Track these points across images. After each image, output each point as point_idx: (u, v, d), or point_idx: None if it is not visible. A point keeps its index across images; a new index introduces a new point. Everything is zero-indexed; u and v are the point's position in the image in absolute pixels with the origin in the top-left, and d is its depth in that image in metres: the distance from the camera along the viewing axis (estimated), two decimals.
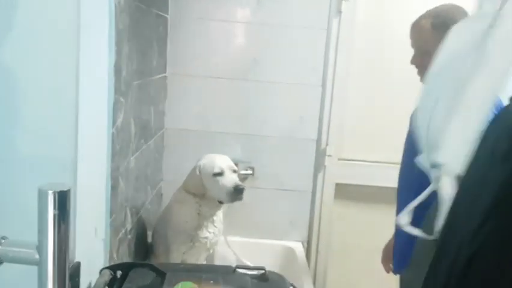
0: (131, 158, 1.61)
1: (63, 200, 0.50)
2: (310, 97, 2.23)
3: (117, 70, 1.35)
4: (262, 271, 1.30)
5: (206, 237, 1.78)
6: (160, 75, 2.06)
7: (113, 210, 1.42)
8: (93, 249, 1.29)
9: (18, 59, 0.88)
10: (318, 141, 2.26)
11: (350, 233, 2.34)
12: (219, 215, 1.86)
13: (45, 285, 0.49)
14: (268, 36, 2.20)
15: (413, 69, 1.67)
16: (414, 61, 1.54)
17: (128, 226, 1.62)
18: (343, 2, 2.13)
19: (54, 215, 0.49)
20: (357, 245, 2.31)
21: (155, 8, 1.87)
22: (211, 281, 1.22)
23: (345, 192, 2.33)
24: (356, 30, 2.17)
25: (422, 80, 1.58)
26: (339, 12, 2.14)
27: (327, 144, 2.25)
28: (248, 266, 1.47)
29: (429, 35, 1.46)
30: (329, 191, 2.30)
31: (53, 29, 1.01)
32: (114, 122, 1.37)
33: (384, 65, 2.21)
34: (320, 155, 2.27)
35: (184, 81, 2.22)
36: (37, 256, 0.50)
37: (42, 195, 0.49)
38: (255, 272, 1.31)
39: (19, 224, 0.68)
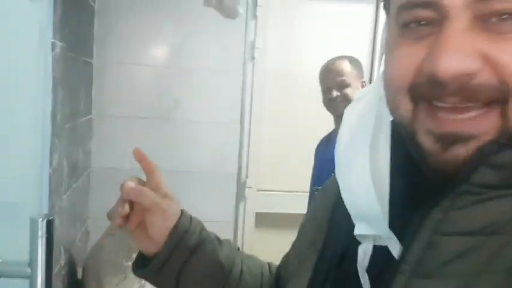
0: (64, 197, 1.69)
1: (49, 226, 0.63)
2: (229, 134, 2.44)
3: (53, 115, 1.46)
4: None
5: None
6: (86, 117, 2.16)
7: None
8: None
9: None
10: (239, 174, 2.46)
11: (270, 258, 2.53)
12: None
13: None
14: (189, 79, 2.38)
15: (319, 109, 1.94)
16: (334, 95, 1.81)
17: (62, 262, 1.68)
18: (255, 49, 2.38)
19: (43, 238, 0.63)
20: None
21: (82, 55, 1.99)
22: None
23: (264, 220, 2.54)
24: (268, 74, 2.43)
25: (341, 111, 1.86)
26: (253, 58, 2.39)
27: (246, 177, 2.45)
28: None
29: (348, 71, 1.78)
30: (250, 220, 2.49)
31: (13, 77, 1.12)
32: (51, 163, 1.46)
33: (293, 105, 2.48)
34: (241, 187, 2.46)
35: (110, 122, 2.33)
36: (29, 271, 0.63)
37: (33, 223, 0.62)
38: None
39: None
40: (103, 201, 2.17)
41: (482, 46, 0.40)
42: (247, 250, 2.49)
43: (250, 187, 2.45)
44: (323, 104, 1.94)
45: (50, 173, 1.44)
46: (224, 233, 2.65)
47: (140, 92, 2.37)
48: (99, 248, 1.93)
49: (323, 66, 1.92)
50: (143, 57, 2.36)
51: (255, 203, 2.49)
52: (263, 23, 2.39)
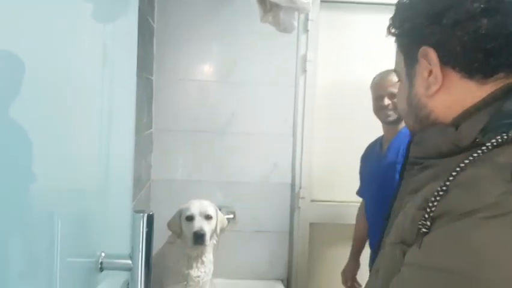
0: (131, 206, 1.78)
1: (150, 221, 0.69)
2: (282, 146, 2.49)
3: None
4: None
5: (198, 276, 1.94)
6: (147, 131, 2.26)
7: None
8: None
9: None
10: (292, 185, 2.50)
11: (325, 269, 2.55)
12: (208, 256, 2.02)
13: (137, 286, 0.68)
14: (243, 93, 2.46)
15: (370, 117, 1.98)
16: (386, 103, 1.88)
17: None
18: (307, 62, 2.43)
19: (144, 232, 0.69)
20: (333, 278, 2.51)
21: (145, 72, 2.10)
22: None
23: (318, 230, 2.55)
24: (319, 86, 2.48)
25: (391, 118, 1.90)
26: (304, 71, 2.44)
27: (300, 188, 2.49)
28: None
29: (397, 85, 1.83)
30: (304, 231, 2.52)
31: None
32: None
33: (344, 115, 2.51)
34: (294, 198, 2.50)
35: (168, 136, 2.43)
36: (130, 263, 0.69)
37: (136, 218, 0.68)
38: None
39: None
40: (162, 212, 2.27)
41: None
42: (302, 261, 2.51)
43: (303, 197, 2.48)
44: (373, 113, 1.97)
45: None
46: (280, 243, 2.69)
47: (197, 107, 2.46)
48: (161, 257, 2.01)
49: (377, 75, 1.96)
50: (200, 73, 2.45)
51: (309, 213, 2.51)
52: (314, 36, 2.45)
